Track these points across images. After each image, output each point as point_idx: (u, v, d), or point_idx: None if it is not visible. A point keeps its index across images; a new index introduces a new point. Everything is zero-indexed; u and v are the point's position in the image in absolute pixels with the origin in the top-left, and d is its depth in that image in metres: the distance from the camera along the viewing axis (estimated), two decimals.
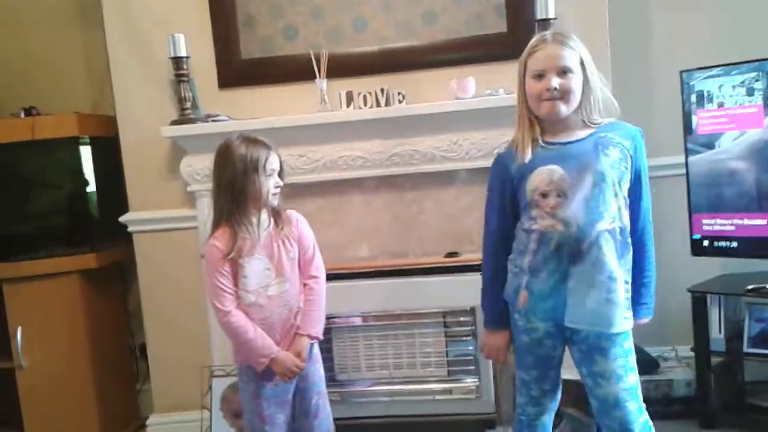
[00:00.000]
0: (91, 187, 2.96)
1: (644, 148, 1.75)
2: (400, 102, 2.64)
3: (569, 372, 1.99)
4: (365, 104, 2.65)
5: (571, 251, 1.66)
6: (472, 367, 2.61)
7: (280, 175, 2.01)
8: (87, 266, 2.91)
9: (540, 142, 1.71)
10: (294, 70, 2.73)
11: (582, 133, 1.70)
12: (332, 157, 2.71)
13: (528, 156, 1.70)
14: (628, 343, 1.74)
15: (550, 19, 2.49)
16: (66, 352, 2.90)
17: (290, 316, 2.02)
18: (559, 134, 1.71)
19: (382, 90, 2.64)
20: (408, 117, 2.63)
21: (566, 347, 1.81)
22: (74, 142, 2.91)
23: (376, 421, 2.64)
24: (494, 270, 1.82)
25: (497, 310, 1.84)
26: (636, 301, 1.75)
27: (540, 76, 1.68)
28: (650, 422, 1.76)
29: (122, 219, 2.90)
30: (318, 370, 2.10)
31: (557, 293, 1.69)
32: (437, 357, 2.66)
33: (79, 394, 2.91)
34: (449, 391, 2.64)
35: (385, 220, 2.80)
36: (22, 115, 2.91)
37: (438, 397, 2.64)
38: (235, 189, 1.94)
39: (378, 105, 2.64)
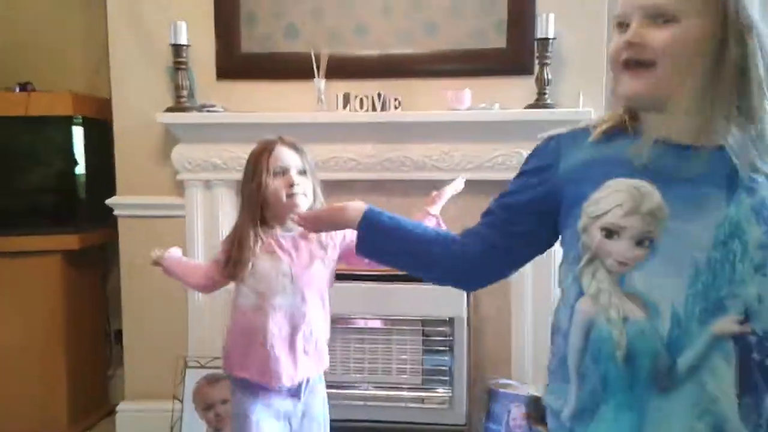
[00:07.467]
0: (80, 168, 2.95)
1: None
2: (396, 108, 2.65)
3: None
4: (361, 107, 2.66)
5: (656, 369, 0.95)
6: (447, 378, 2.62)
7: (307, 174, 1.83)
8: (69, 247, 2.90)
9: (631, 131, 1.02)
10: (293, 68, 2.73)
11: (715, 140, 0.98)
12: (324, 158, 2.71)
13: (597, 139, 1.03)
14: None
15: (549, 38, 2.51)
16: (41, 332, 2.87)
17: (295, 334, 1.78)
18: (669, 130, 0.99)
19: (379, 95, 2.65)
20: (402, 123, 2.65)
21: None
22: (67, 122, 2.90)
23: (347, 425, 2.62)
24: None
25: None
26: None
27: (622, 24, 1.01)
28: None
29: (109, 202, 2.88)
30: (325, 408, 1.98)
31: None
32: (413, 365, 2.66)
33: (50, 376, 2.89)
34: (421, 400, 2.65)
35: None
36: (17, 90, 2.90)
37: (410, 404, 2.64)
38: (243, 193, 1.83)
39: (374, 109, 2.65)
